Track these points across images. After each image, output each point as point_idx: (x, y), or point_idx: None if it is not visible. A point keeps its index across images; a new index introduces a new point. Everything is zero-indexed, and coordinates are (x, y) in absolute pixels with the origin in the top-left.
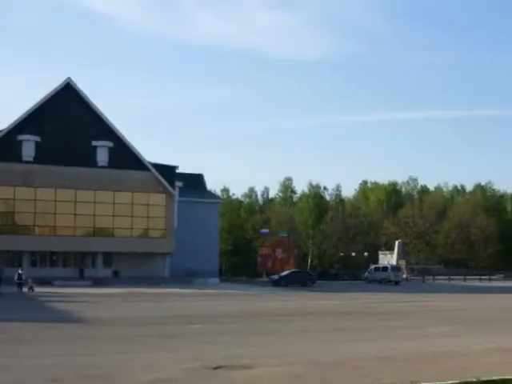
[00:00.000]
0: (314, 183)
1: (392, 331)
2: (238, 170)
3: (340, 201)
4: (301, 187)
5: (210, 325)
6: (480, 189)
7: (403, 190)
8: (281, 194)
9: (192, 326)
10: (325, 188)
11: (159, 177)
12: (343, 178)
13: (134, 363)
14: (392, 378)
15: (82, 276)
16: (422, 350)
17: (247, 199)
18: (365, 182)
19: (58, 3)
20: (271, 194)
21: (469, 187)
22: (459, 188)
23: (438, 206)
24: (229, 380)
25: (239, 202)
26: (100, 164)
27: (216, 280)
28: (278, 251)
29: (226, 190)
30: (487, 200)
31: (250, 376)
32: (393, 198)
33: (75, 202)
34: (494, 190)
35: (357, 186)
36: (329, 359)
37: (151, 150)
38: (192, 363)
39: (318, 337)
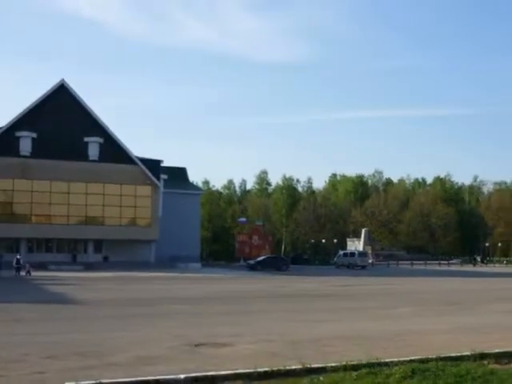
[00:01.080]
0: (287, 176)
1: (358, 312)
2: (218, 164)
3: (311, 192)
4: (275, 180)
5: (192, 306)
6: (439, 181)
7: (369, 182)
8: (257, 186)
9: (175, 307)
10: (297, 180)
11: (145, 170)
12: (314, 171)
13: (123, 341)
14: (358, 354)
15: (74, 261)
16: (386, 329)
17: (226, 191)
18: (334, 175)
19: (55, 11)
20: (248, 186)
21: (429, 179)
22: (420, 180)
23: (401, 196)
24: (209, 356)
25: (219, 193)
26: (91, 158)
27: (198, 265)
28: (255, 238)
29: (206, 183)
30: (446, 191)
31: (230, 353)
32: (360, 189)
33: (68, 193)
34: (452, 182)
35: (327, 179)
36: (301, 338)
37: (138, 146)
38: (176, 341)
39: (292, 317)
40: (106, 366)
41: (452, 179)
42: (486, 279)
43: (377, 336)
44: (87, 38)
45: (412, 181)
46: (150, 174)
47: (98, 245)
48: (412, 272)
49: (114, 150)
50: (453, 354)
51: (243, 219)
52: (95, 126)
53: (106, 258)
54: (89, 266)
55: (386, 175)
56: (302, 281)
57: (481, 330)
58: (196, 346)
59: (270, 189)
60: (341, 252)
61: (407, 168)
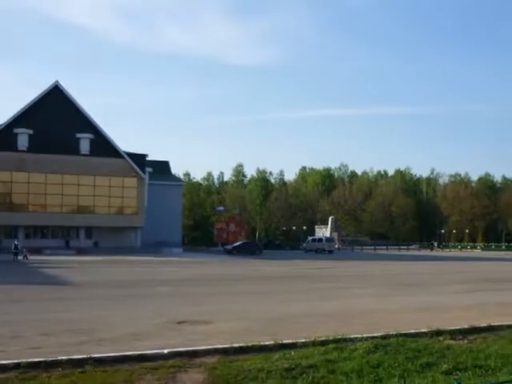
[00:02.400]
0: (261, 169)
1: (326, 292)
2: (198, 158)
3: (283, 184)
4: (250, 172)
5: (176, 287)
6: (400, 173)
7: (336, 174)
8: (234, 178)
9: (160, 288)
10: (270, 173)
11: (132, 164)
12: (286, 164)
13: (112, 319)
14: (326, 331)
15: (67, 246)
16: (352, 307)
17: (206, 182)
18: (304, 168)
19: (53, 20)
20: (226, 178)
21: (390, 172)
22: (382, 173)
23: (365, 187)
24: (191, 333)
25: (199, 184)
26: (83, 153)
27: (180, 250)
28: (232, 225)
29: (187, 175)
30: (406, 183)
31: (209, 330)
32: (327, 181)
33: (62, 184)
34: (411, 174)
35: (297, 171)
36: (274, 316)
37: (125, 141)
38: (160, 319)
39: (266, 297)
40: (97, 342)
41: (411, 172)
42: (443, 262)
43: (344, 314)
44: (80, 44)
45: (375, 173)
46: (136, 167)
47: (89, 231)
48: (375, 256)
49: (103, 146)
50: (412, 331)
51: (221, 208)
52: (86, 124)
53: (96, 244)
54: (80, 251)
55: (350, 168)
56: (273, 264)
57: (438, 308)
58: (178, 323)
59: (246, 180)
60: (309, 238)
61: (370, 161)
